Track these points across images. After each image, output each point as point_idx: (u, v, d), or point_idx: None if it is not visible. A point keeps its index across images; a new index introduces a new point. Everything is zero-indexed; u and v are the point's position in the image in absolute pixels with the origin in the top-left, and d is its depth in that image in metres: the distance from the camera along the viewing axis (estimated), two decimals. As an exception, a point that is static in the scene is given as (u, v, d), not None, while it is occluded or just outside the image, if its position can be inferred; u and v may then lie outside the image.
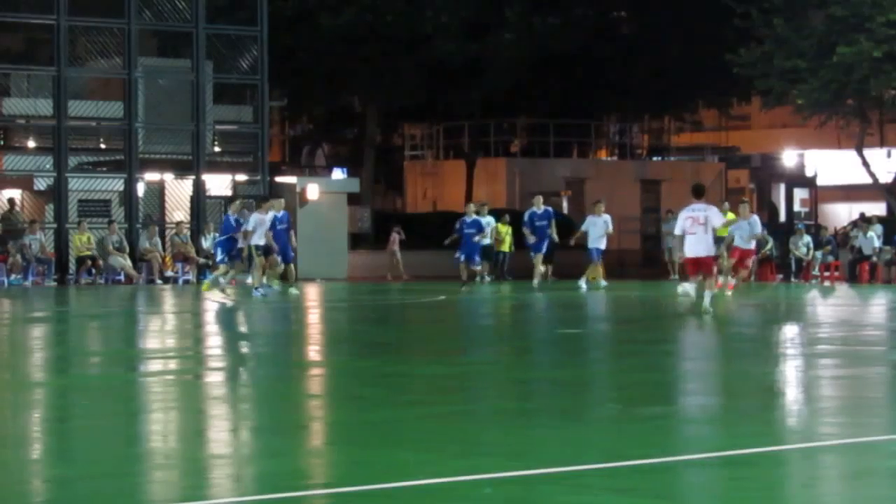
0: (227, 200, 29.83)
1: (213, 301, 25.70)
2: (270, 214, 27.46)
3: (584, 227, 32.22)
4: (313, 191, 39.60)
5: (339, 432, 9.66)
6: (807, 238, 37.50)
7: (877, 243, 36.85)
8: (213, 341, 18.43)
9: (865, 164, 41.52)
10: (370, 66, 43.65)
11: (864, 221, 38.85)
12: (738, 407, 10.86)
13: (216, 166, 38.62)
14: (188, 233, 36.05)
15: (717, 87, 48.35)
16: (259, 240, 27.05)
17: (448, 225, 34.51)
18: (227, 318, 22.53)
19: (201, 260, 34.83)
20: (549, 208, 33.38)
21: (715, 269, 23.01)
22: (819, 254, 37.15)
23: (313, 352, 16.63)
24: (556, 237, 33.11)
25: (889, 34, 36.99)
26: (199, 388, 12.43)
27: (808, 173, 47.49)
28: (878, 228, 37.46)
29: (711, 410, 10.75)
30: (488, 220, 36.62)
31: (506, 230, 37.78)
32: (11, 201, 36.36)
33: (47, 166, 35.60)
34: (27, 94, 37.47)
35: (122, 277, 34.80)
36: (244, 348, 17.14)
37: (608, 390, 12.37)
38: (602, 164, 51.89)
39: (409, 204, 52.42)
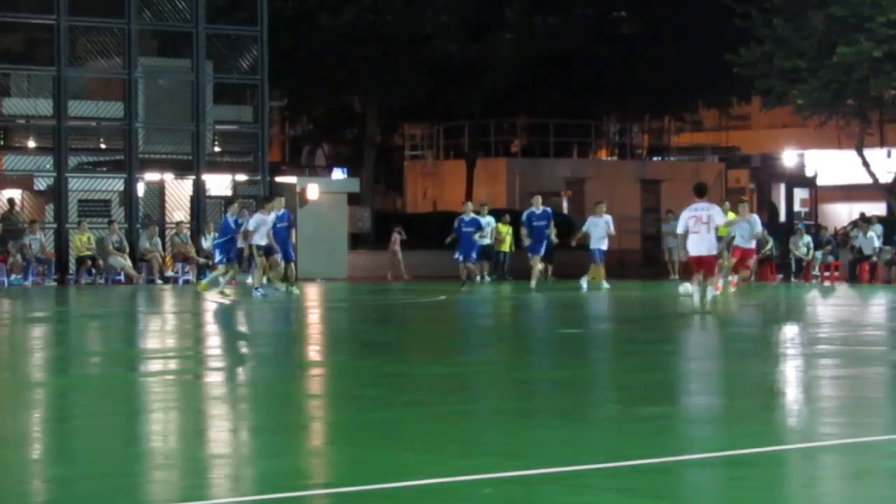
0: (226, 202, 29.79)
1: (212, 301, 25.70)
2: (272, 215, 27.43)
3: (585, 228, 32.06)
4: (313, 191, 39.60)
5: (339, 432, 9.65)
6: (807, 238, 37.49)
7: (877, 243, 36.84)
8: (213, 341, 18.43)
9: (865, 164, 41.53)
10: (370, 66, 43.64)
11: (864, 221, 38.85)
12: (738, 407, 10.86)
13: (216, 166, 38.62)
14: (188, 233, 36.05)
15: (717, 87, 48.35)
16: (261, 240, 27.04)
17: (448, 225, 34.51)
18: (227, 318, 22.53)
19: (201, 260, 34.82)
20: (548, 209, 33.12)
21: (717, 269, 23.07)
22: (819, 254, 37.15)
23: (313, 352, 16.63)
24: (554, 238, 32.92)
25: (889, 34, 37.00)
26: (199, 388, 12.43)
27: (808, 173, 47.50)
28: (878, 228, 37.45)
29: (711, 410, 10.74)
30: (488, 220, 36.62)
31: (506, 230, 37.79)
32: (11, 201, 36.37)
33: (47, 166, 35.60)
34: (27, 94, 37.47)
35: (122, 277, 34.80)
36: (244, 348, 17.14)
37: (608, 390, 12.38)
38: (602, 164, 51.89)
39: (409, 204, 52.42)
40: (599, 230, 31.45)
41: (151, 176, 37.42)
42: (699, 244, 20.95)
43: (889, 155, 46.80)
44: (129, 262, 35.00)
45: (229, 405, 11.22)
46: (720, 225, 21.45)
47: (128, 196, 36.07)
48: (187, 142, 37.07)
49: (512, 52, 44.32)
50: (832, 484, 7.83)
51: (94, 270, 34.83)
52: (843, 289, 33.74)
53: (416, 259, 39.66)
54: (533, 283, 31.48)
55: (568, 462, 8.03)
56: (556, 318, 23.34)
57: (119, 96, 36.42)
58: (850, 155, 43.32)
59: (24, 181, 37.09)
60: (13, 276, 33.90)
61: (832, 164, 47.79)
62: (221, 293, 26.75)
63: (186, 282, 34.62)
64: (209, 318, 22.58)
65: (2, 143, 38.87)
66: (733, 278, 27.03)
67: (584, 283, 31.23)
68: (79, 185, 36.04)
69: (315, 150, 56.61)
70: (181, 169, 37.31)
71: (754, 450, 8.48)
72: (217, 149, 39.65)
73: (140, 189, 36.63)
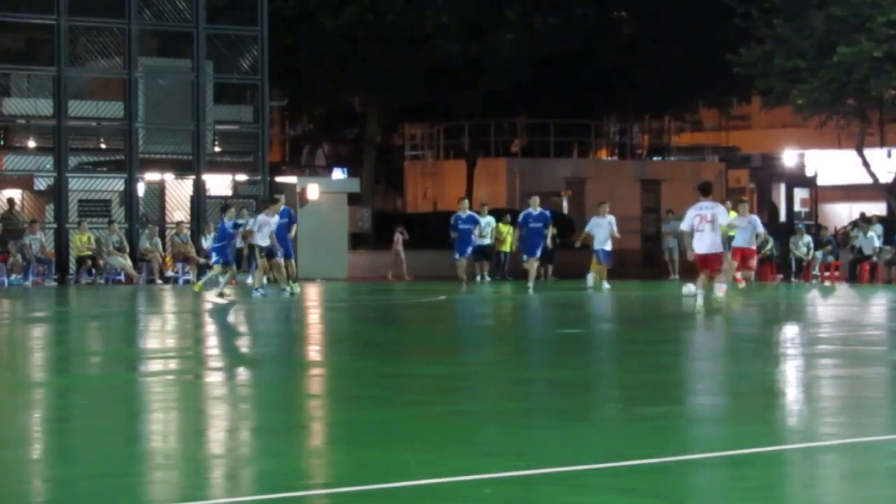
0: (222, 208, 29.75)
1: (213, 301, 25.69)
2: (276, 218, 27.34)
3: (588, 229, 31.83)
4: (313, 191, 39.61)
5: (339, 432, 9.65)
6: (807, 238, 37.49)
7: (877, 243, 36.85)
8: (213, 341, 18.42)
9: (865, 164, 41.53)
10: (370, 66, 43.64)
11: (865, 221, 38.85)
12: (738, 407, 10.86)
13: (216, 166, 38.63)
14: (188, 233, 36.06)
15: (717, 87, 48.36)
16: (263, 241, 26.99)
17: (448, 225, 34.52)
18: (227, 318, 22.52)
19: (201, 260, 34.80)
20: (546, 211, 32.71)
21: (727, 265, 23.28)
22: (819, 254, 37.15)
23: (313, 352, 16.62)
24: (549, 242, 32.60)
25: (889, 34, 37.00)
26: (199, 388, 12.43)
27: (809, 173, 47.48)
28: (879, 228, 37.46)
29: (712, 410, 10.74)
30: (488, 220, 36.64)
31: (507, 230, 37.78)
32: (11, 201, 36.37)
33: (47, 166, 35.61)
34: (27, 94, 37.47)
35: (122, 277, 34.81)
36: (244, 348, 17.14)
37: (608, 390, 12.37)
38: (602, 164, 51.88)
39: (410, 204, 52.43)
40: (603, 231, 31.20)
41: (152, 176, 37.43)
42: (703, 242, 21.19)
43: (889, 155, 46.79)
44: (129, 262, 35.01)
45: (229, 405, 11.21)
46: (723, 224, 21.65)
47: (128, 196, 36.08)
48: (187, 142, 37.07)
49: (512, 52, 44.31)
50: (832, 484, 7.83)
51: (94, 270, 34.84)
52: (843, 289, 33.74)
53: (417, 259, 39.66)
54: (531, 283, 31.19)
55: (568, 462, 8.02)
56: (556, 318, 23.34)
57: (119, 96, 36.42)
58: (851, 155, 43.32)
59: (24, 181, 37.09)
60: (13, 276, 33.91)
61: (832, 164, 47.79)
62: (221, 294, 26.74)
63: (187, 282, 34.61)
64: (209, 318, 22.57)
65: (2, 143, 38.88)
66: (739, 276, 27.24)
67: (590, 278, 31.06)
68: (79, 185, 36.04)
69: (315, 150, 56.63)
70: (181, 169, 37.31)
71: (754, 450, 8.47)
72: (217, 149, 39.66)
73: (140, 189, 36.63)
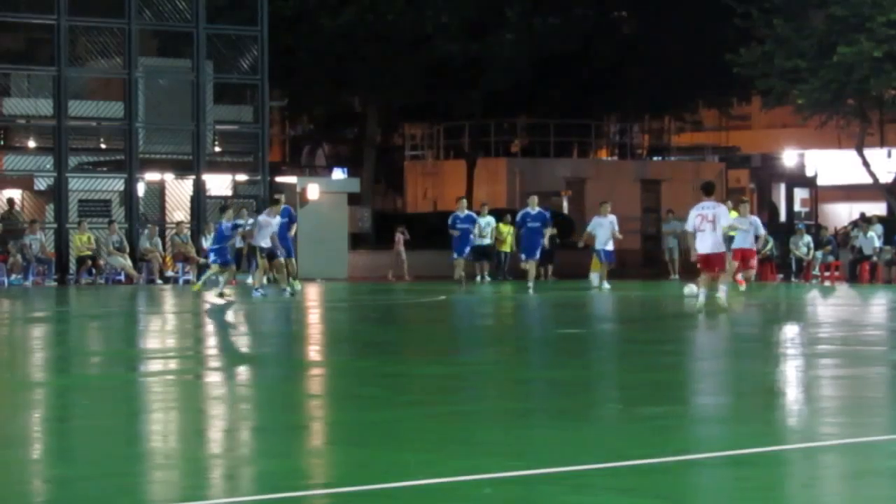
0: (220, 209, 29.73)
1: (213, 301, 25.69)
2: (277, 219, 27.30)
3: (590, 229, 31.75)
4: (313, 191, 39.61)
5: (339, 432, 9.65)
6: (807, 238, 37.49)
7: (877, 243, 36.85)
8: (213, 341, 18.42)
9: (866, 164, 41.52)
10: (370, 66, 43.64)
11: (865, 221, 38.85)
12: (738, 407, 10.87)
13: (216, 166, 38.63)
14: (188, 233, 36.05)
15: (717, 87, 48.35)
16: (263, 242, 26.96)
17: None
18: (227, 318, 22.52)
19: (202, 260, 34.79)
20: (545, 211, 32.57)
21: (728, 266, 23.30)
22: (819, 254, 37.15)
23: (313, 352, 16.62)
24: (547, 242, 32.51)
25: (889, 34, 37.00)
26: (199, 388, 12.43)
27: (809, 173, 47.47)
28: (879, 228, 37.45)
29: (712, 410, 10.74)
30: (488, 220, 36.64)
31: (507, 230, 37.77)
32: (11, 201, 36.37)
33: (47, 166, 35.60)
34: (27, 94, 37.48)
35: (122, 277, 34.81)
36: (244, 348, 17.14)
37: (609, 390, 12.38)
38: (602, 164, 51.87)
39: (410, 204, 52.42)
40: (605, 231, 31.14)
41: (152, 176, 37.43)
42: (705, 242, 21.25)
43: (889, 155, 46.78)
44: (129, 262, 35.01)
45: (229, 405, 11.21)
46: (724, 225, 21.68)
47: (128, 196, 36.08)
48: (187, 142, 37.07)
49: (512, 52, 44.30)
50: (832, 484, 7.83)
51: (94, 270, 34.84)
52: (843, 289, 33.74)
53: (417, 259, 39.66)
54: (531, 284, 31.12)
55: (568, 462, 8.03)
56: (556, 318, 23.34)
57: (119, 96, 36.42)
58: (851, 155, 43.31)
59: (24, 181, 37.09)
60: (13, 276, 33.91)
61: (832, 164, 47.77)
62: (221, 294, 26.74)
63: (187, 282, 34.60)
64: (209, 318, 22.57)
65: (2, 143, 38.88)
66: (740, 277, 27.26)
67: (594, 278, 31.03)
68: (79, 185, 36.04)
69: (315, 150, 56.61)
70: (181, 169, 37.31)
71: (755, 450, 8.48)
72: (217, 149, 39.66)
73: (140, 189, 36.63)
